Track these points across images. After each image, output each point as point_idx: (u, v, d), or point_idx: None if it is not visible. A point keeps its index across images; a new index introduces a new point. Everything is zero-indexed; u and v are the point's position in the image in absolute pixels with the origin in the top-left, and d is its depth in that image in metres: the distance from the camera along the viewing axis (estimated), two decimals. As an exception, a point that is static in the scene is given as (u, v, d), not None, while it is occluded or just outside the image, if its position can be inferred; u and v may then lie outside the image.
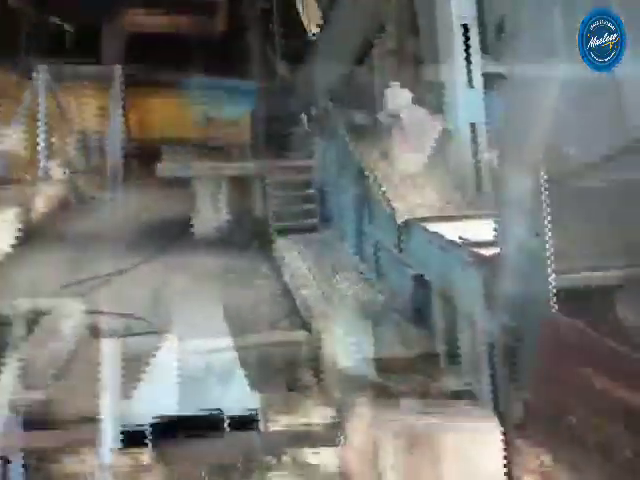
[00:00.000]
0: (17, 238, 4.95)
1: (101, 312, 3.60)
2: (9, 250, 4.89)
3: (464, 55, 3.37)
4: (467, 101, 3.28)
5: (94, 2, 7.26)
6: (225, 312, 3.93)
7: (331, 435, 3.08)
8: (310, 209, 5.83)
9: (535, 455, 2.77)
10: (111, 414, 2.54)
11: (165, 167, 5.85)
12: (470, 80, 3.35)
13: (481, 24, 3.54)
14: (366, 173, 4.33)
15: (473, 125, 3.28)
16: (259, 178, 6.13)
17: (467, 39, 3.47)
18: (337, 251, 5.26)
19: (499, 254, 2.77)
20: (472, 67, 3.39)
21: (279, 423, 3.39)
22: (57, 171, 5.83)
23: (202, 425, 3.16)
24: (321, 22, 7.49)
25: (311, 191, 5.87)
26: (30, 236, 5.28)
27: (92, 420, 2.66)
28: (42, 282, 4.23)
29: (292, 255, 5.11)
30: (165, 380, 3.22)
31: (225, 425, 3.16)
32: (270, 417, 3.44)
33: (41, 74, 4.84)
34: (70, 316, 3.55)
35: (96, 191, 6.02)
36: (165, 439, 3.05)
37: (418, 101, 3.68)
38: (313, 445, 3.09)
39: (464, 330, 3.00)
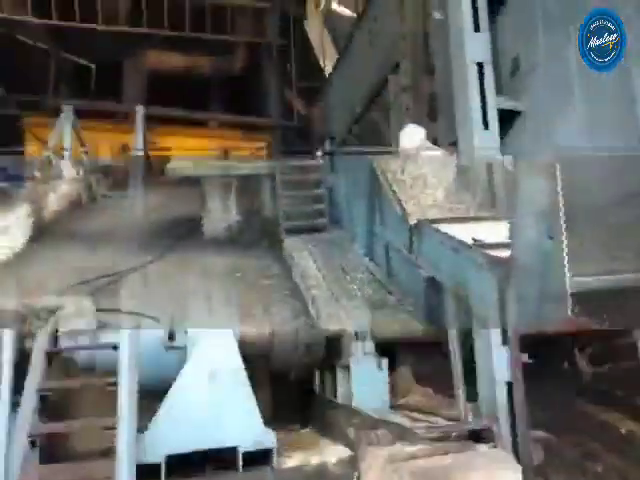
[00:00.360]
0: (29, 236, 4.99)
1: (112, 310, 3.56)
2: (21, 247, 4.93)
3: (479, 92, 3.42)
4: (482, 139, 3.32)
5: (116, 42, 7.60)
6: (236, 311, 3.92)
7: (344, 473, 3.02)
8: (319, 209, 5.82)
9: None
10: (127, 447, 2.53)
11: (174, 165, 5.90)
12: (485, 118, 3.39)
13: (495, 63, 3.60)
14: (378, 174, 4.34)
15: (490, 164, 3.30)
16: (269, 178, 6.18)
17: (482, 77, 3.52)
18: (347, 251, 5.22)
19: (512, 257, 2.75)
20: (487, 105, 3.44)
21: (292, 460, 3.34)
22: (71, 171, 5.78)
23: (216, 461, 3.13)
24: (336, 60, 7.71)
25: (320, 190, 5.85)
26: (42, 233, 5.31)
27: (108, 454, 2.65)
28: (53, 280, 4.21)
29: (302, 255, 5.07)
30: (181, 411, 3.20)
31: (239, 461, 3.12)
32: (284, 453, 3.39)
33: (66, 112, 5.03)
34: (82, 315, 3.51)
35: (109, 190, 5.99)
36: (179, 474, 3.02)
37: (433, 140, 3.75)
38: (327, 486, 3.04)
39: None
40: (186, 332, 3.59)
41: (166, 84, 7.72)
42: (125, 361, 2.76)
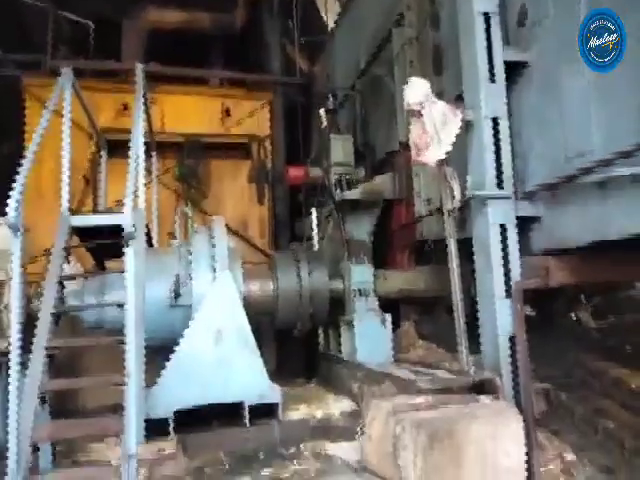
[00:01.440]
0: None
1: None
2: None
3: (485, 45, 3.28)
4: (488, 93, 3.19)
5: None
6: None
7: (348, 426, 3.09)
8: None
9: (556, 449, 2.73)
10: (135, 403, 2.58)
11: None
12: (492, 71, 3.26)
13: (502, 13, 3.44)
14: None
15: (495, 119, 3.19)
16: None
17: (488, 28, 3.37)
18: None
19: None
20: (494, 58, 3.30)
21: (298, 413, 3.42)
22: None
23: (223, 415, 3.21)
24: (339, 14, 7.43)
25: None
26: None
27: (117, 409, 2.71)
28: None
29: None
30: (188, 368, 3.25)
31: (246, 415, 3.20)
32: (289, 407, 3.47)
33: (66, 73, 4.90)
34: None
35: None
36: (188, 429, 3.11)
37: (438, 93, 3.61)
38: (332, 437, 3.11)
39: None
40: (191, 290, 3.62)
41: (166, 41, 7.51)
42: (131, 319, 2.79)
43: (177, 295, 3.62)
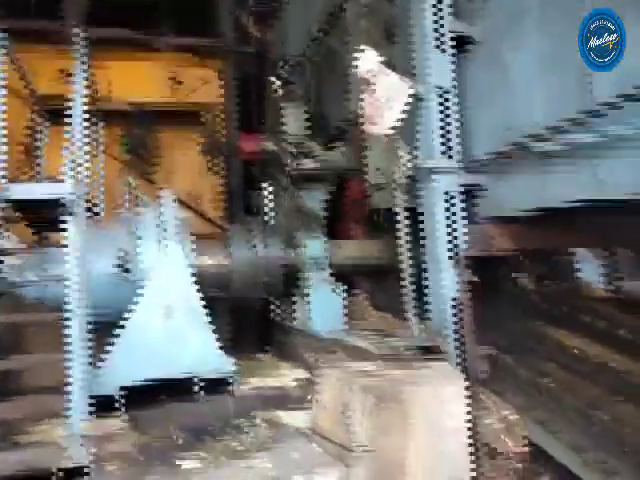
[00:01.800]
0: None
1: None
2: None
3: (435, 18, 3.28)
4: (437, 65, 3.21)
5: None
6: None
7: (302, 395, 3.14)
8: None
9: (499, 409, 2.87)
10: (79, 380, 2.51)
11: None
12: (441, 43, 3.27)
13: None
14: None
15: (443, 90, 3.22)
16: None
17: (439, 1, 3.38)
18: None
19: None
20: (443, 30, 3.31)
21: (252, 385, 3.44)
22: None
23: (175, 390, 3.18)
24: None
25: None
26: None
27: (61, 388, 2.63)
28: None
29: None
30: (137, 343, 3.19)
31: (198, 389, 3.19)
32: (243, 379, 3.48)
33: (-1, 36, 4.55)
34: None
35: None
36: (137, 405, 3.07)
37: (389, 64, 3.60)
38: (285, 406, 3.15)
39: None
40: (140, 265, 3.52)
41: (111, 3, 7.08)
42: (74, 294, 2.69)
43: (124, 269, 3.51)
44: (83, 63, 3.88)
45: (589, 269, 5.26)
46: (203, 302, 3.40)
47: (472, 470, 2.60)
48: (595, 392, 3.74)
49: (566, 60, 2.58)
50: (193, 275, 3.52)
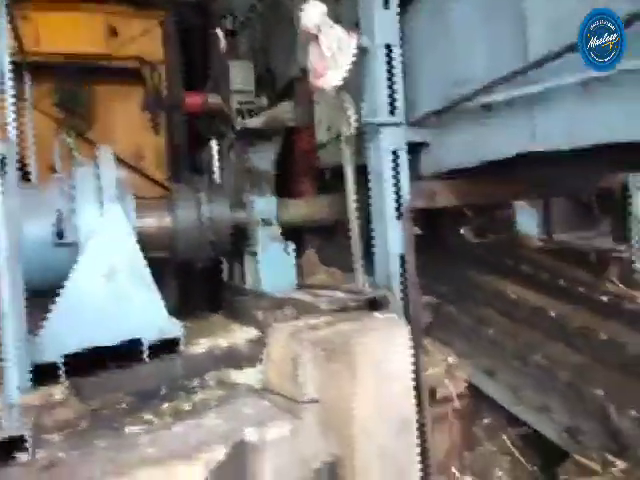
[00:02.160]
0: None
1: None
2: None
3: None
4: (382, 21, 3.14)
5: None
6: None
7: (253, 354, 3.15)
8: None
9: (441, 355, 3.02)
10: (15, 348, 2.40)
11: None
12: (385, 1, 3.19)
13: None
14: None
15: (388, 45, 3.17)
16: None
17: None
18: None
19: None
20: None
21: (202, 346, 3.42)
22: None
23: (121, 354, 3.11)
24: None
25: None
26: None
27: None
28: None
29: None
30: (78, 307, 3.08)
31: (145, 352, 3.13)
32: (193, 340, 3.45)
33: None
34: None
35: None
36: (81, 372, 2.98)
37: (337, 19, 3.48)
38: (236, 365, 3.16)
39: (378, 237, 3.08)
40: (78, 228, 3.35)
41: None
42: (3, 259, 2.53)
43: (60, 233, 3.33)
44: (7, 14, 3.53)
45: (527, 221, 5.53)
46: (147, 263, 3.29)
47: (417, 413, 2.74)
48: (531, 336, 3.99)
49: (504, 13, 2.60)
50: (136, 236, 3.39)
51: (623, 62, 2.09)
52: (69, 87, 6.00)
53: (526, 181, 3.54)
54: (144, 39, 6.64)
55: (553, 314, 4.15)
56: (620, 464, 2.55)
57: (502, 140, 2.70)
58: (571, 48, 2.17)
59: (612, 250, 4.78)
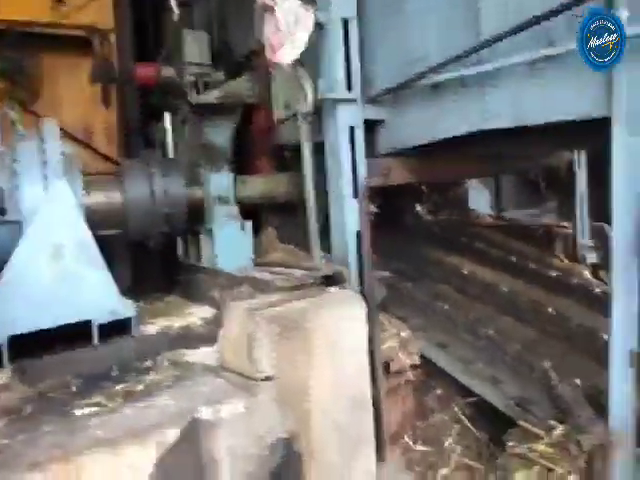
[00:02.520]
0: None
1: None
2: None
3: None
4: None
5: None
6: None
7: (209, 333, 3.11)
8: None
9: (395, 329, 3.08)
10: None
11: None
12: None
13: None
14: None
15: (345, 20, 3.11)
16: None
17: None
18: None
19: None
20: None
21: (156, 326, 3.35)
22: None
23: (70, 336, 3.01)
24: None
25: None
26: None
27: None
28: None
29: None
30: (23, 288, 2.94)
31: (95, 334, 3.03)
32: (147, 321, 3.38)
33: None
34: None
35: None
36: (27, 355, 2.87)
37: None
38: (192, 345, 3.12)
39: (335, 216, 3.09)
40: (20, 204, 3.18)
41: None
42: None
43: (2, 210, 3.15)
44: None
45: (479, 199, 5.68)
46: (96, 242, 3.17)
47: (372, 387, 2.79)
48: (483, 310, 4.14)
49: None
50: (83, 213, 3.26)
51: (570, 43, 2.14)
52: (12, 56, 5.61)
53: (477, 159, 3.62)
54: (93, 6, 6.27)
55: (504, 289, 4.31)
56: (561, 428, 2.69)
57: (454, 118, 2.73)
58: (520, 28, 2.20)
59: (557, 226, 4.98)
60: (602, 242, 4.53)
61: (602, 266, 4.46)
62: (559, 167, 4.97)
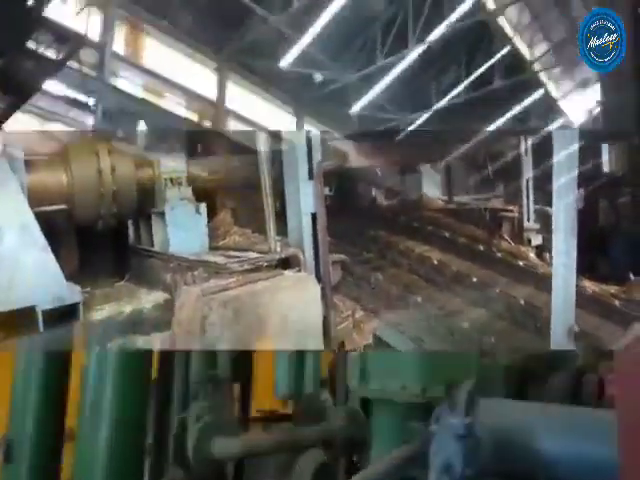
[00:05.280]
0: None
1: None
2: None
3: None
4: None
5: None
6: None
7: (161, 317, 3.04)
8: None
9: (349, 309, 3.12)
10: None
11: None
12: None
13: None
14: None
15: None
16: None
17: None
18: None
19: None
20: None
21: (105, 312, 3.24)
22: None
23: (12, 324, 2.85)
24: None
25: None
26: None
27: None
28: None
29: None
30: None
31: (39, 320, 2.89)
32: (95, 307, 3.25)
33: None
34: None
35: None
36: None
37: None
38: (142, 331, 3.04)
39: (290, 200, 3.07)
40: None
41: None
42: None
43: None
44: None
45: (431, 184, 5.85)
46: (38, 224, 3.01)
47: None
48: (432, 291, 4.27)
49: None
50: (25, 193, 3.08)
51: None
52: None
53: (426, 145, 3.70)
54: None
55: (454, 269, 4.47)
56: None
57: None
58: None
59: (504, 210, 5.19)
60: (545, 225, 4.75)
61: (546, 248, 4.68)
62: (505, 153, 5.16)
